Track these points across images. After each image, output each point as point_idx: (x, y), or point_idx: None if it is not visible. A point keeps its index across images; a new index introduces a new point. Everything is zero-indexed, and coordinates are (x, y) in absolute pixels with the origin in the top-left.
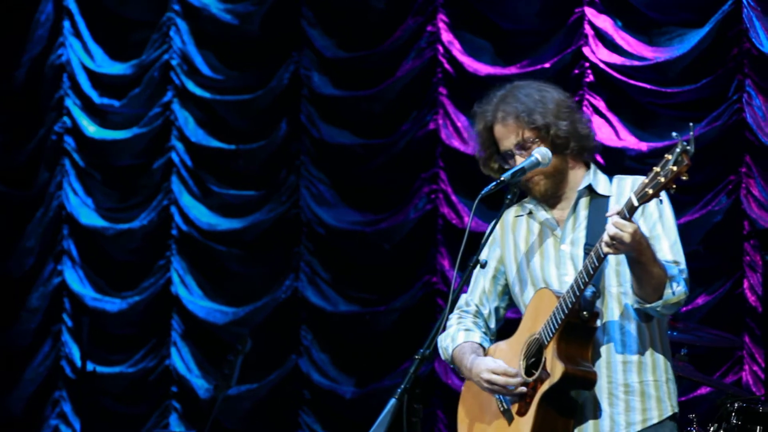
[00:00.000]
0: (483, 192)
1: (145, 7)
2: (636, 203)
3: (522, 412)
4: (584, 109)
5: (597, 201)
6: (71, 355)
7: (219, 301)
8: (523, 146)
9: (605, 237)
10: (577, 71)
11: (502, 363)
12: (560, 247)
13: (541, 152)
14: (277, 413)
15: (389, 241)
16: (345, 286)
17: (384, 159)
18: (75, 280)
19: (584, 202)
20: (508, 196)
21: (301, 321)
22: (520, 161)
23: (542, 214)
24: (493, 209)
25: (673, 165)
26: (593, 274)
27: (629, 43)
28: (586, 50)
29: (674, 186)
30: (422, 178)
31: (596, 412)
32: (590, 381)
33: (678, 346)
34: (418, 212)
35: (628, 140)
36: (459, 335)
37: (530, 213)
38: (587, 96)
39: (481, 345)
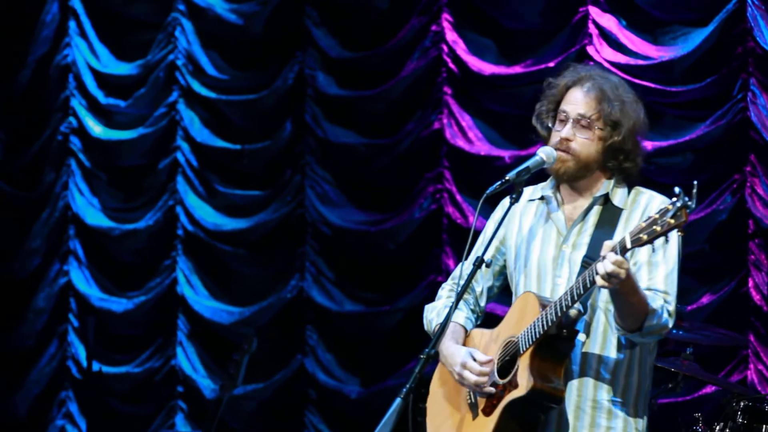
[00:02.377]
0: (488, 191)
1: (151, 7)
2: (629, 246)
3: (487, 412)
4: None
5: (609, 211)
6: (77, 355)
7: (225, 301)
8: (581, 122)
9: (601, 271)
10: None
11: (479, 358)
12: (562, 246)
13: (546, 152)
14: (282, 413)
15: (394, 240)
16: (350, 286)
17: (388, 159)
18: (81, 280)
19: (597, 209)
20: (513, 196)
21: (307, 321)
22: (568, 130)
23: (554, 207)
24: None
25: (671, 218)
26: (577, 299)
27: (633, 42)
28: (590, 49)
29: (682, 233)
30: (427, 178)
31: (561, 424)
32: (557, 398)
33: (683, 345)
34: (423, 212)
35: None
36: (445, 312)
37: (543, 198)
38: None
39: (463, 326)
